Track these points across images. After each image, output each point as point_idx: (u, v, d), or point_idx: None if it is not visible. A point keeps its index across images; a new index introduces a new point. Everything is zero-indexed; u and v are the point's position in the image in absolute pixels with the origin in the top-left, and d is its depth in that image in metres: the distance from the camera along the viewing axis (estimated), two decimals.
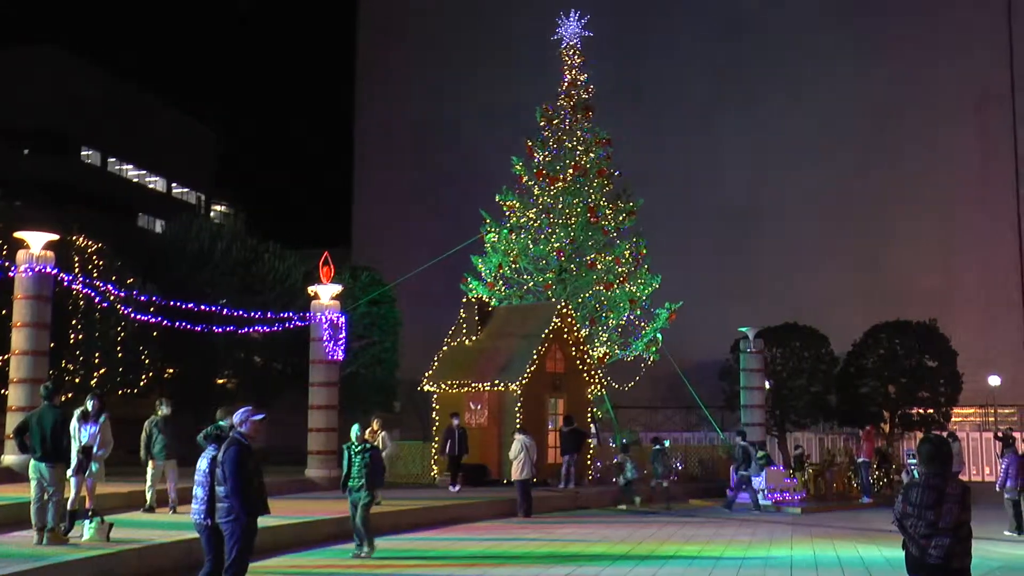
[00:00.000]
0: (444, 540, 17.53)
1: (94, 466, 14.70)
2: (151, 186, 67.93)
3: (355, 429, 15.18)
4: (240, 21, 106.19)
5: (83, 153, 61.79)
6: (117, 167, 64.96)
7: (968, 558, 7.29)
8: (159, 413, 17.51)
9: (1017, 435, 23.27)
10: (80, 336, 29.70)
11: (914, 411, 39.96)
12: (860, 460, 27.86)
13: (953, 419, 42.03)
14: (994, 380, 44.71)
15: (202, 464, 10.14)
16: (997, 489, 20.64)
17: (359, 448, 14.91)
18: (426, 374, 28.91)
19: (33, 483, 13.27)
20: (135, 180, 66.60)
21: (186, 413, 36.61)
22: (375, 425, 21.28)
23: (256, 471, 10.01)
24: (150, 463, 17.41)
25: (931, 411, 39.77)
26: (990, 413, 46.84)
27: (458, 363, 28.48)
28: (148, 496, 17.47)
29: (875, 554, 16.06)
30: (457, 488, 24.35)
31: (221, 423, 11.20)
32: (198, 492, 10.09)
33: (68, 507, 14.07)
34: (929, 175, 51.24)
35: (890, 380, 39.79)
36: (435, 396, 28.72)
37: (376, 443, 20.33)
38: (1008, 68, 51.92)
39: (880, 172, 51.70)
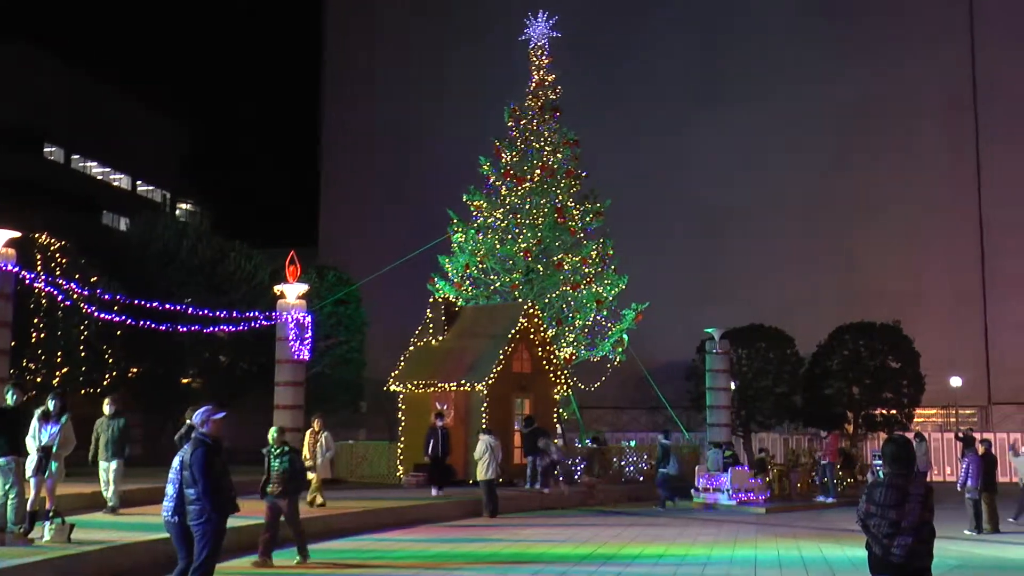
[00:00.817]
0: (409, 541, 17.51)
1: (53, 465, 14.55)
2: (116, 183, 67.33)
3: (272, 431, 14.55)
4: (207, 18, 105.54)
5: (46, 149, 61.16)
6: (81, 164, 64.34)
7: (929, 558, 7.37)
8: (105, 413, 17.35)
9: (977, 436, 23.50)
10: (42, 335, 29.38)
11: (878, 412, 40.31)
12: (824, 462, 28.11)
13: (916, 420, 42.45)
14: (956, 381, 45.18)
15: (175, 463, 10.16)
16: (958, 489, 20.88)
17: (278, 451, 14.20)
18: (392, 374, 28.84)
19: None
20: (99, 177, 66.00)
21: (152, 413, 36.43)
22: (316, 425, 20.61)
23: (223, 470, 10.04)
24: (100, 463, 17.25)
25: (894, 412, 40.13)
26: (952, 414, 47.33)
27: (424, 363, 28.45)
28: (106, 496, 17.33)
29: (839, 554, 16.19)
30: (440, 491, 23.42)
31: (189, 422, 11.24)
32: (169, 490, 10.12)
33: (28, 507, 13.92)
34: (896, 177, 51.66)
35: (854, 381, 40.10)
36: (401, 396, 28.68)
37: (319, 443, 20.14)
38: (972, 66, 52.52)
39: (847, 174, 52.05)
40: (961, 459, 21.35)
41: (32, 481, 14.18)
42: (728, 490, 25.81)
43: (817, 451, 30.98)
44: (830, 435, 29.59)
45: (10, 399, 13.89)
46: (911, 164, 51.74)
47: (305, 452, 20.09)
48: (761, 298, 48.05)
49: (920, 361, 40.60)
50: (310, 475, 19.65)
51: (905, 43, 52.17)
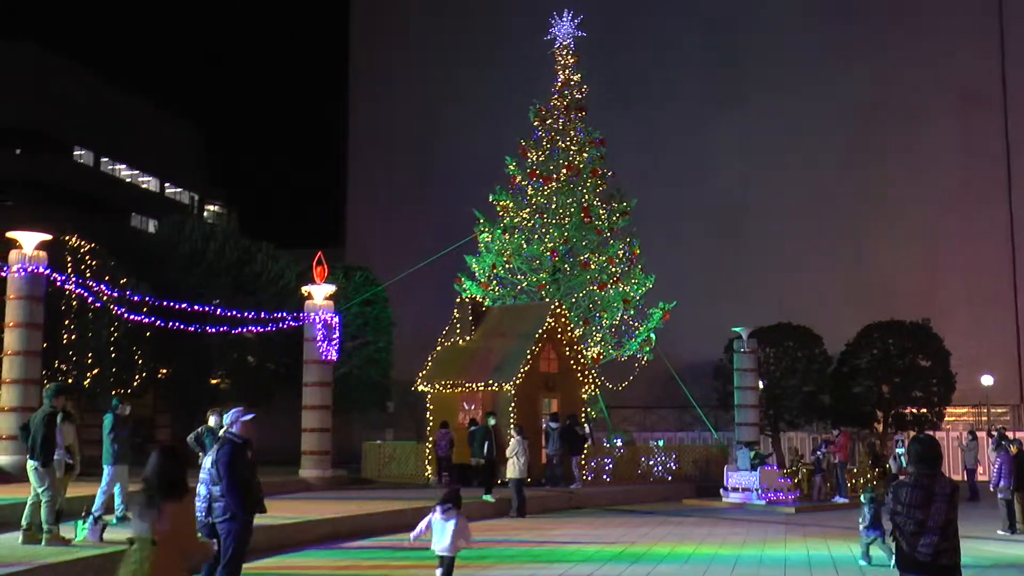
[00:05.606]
0: None
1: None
2: (144, 186, 67.83)
3: None
4: (235, 21, 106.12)
5: (76, 153, 61.67)
6: (110, 167, 64.84)
7: (957, 555, 7.31)
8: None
9: (1010, 435, 23.30)
10: (73, 336, 29.63)
11: (907, 411, 40.03)
12: (836, 461, 27.86)
13: (946, 419, 42.12)
14: (987, 380, 44.81)
15: (206, 463, 10.24)
16: (991, 489, 20.71)
17: None
18: (420, 374, 28.88)
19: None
20: (128, 180, 66.49)
21: (180, 414, 36.67)
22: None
23: (252, 470, 10.11)
24: None
25: (924, 411, 39.84)
26: (983, 413, 46.94)
27: (452, 363, 28.47)
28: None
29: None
30: (494, 499, 22.54)
31: (206, 426, 11.36)
32: (200, 490, 10.19)
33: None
34: (916, 173, 51.37)
35: (884, 380, 39.84)
36: (429, 396, 28.71)
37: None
38: (993, 63, 52.07)
39: (868, 170, 51.80)
40: (993, 459, 21.19)
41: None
42: (758, 490, 25.71)
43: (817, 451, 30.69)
44: (841, 433, 29.37)
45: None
46: (931, 159, 51.45)
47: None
48: (788, 297, 47.80)
49: (950, 360, 40.29)
50: None
51: (922, 38, 51.89)
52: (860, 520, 15.25)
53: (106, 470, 15.73)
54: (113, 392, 31.18)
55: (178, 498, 6.44)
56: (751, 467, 26.25)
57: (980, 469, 30.93)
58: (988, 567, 14.88)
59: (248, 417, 10.24)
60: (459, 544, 11.47)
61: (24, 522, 13.22)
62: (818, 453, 28.12)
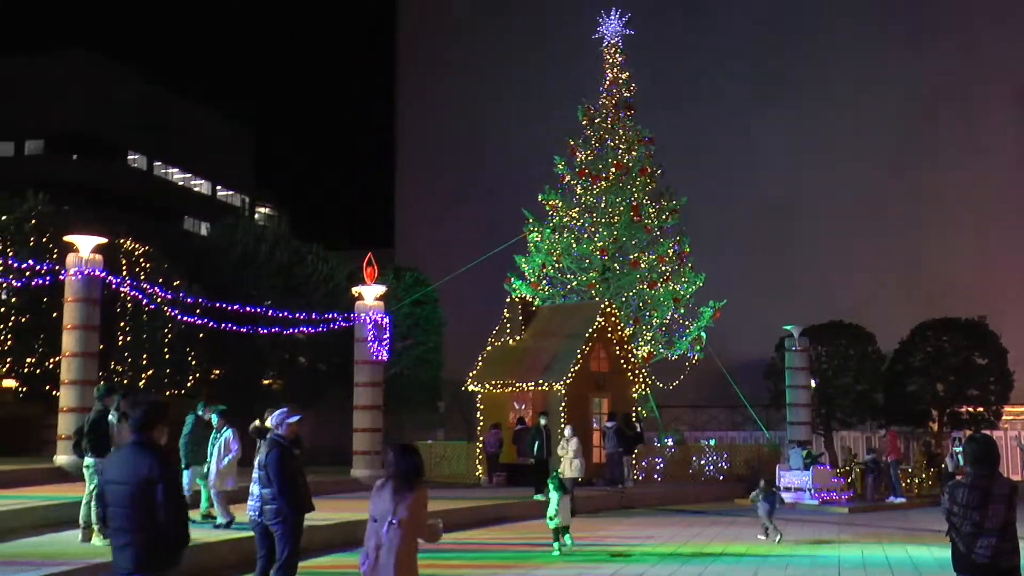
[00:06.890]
0: (488, 541, 17.55)
1: None
2: (196, 189, 68.67)
3: None
4: (282, 25, 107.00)
5: (129, 157, 62.56)
6: (163, 171, 65.71)
7: (1017, 556, 7.20)
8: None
9: None
10: (128, 338, 30.06)
11: (963, 409, 39.42)
12: (889, 460, 27.49)
13: (1004, 417, 41.42)
14: None
15: (257, 463, 10.36)
16: None
17: None
18: (470, 374, 28.93)
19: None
20: (180, 183, 67.34)
21: (233, 414, 37.00)
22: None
23: (299, 470, 10.19)
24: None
25: (981, 409, 39.21)
26: None
27: (502, 363, 28.49)
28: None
29: (925, 554, 15.88)
30: (545, 499, 22.38)
31: (255, 424, 11.54)
32: (254, 490, 10.30)
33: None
34: (971, 169, 50.72)
35: (938, 378, 39.26)
36: (479, 396, 28.76)
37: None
38: None
39: (922, 167, 51.22)
40: None
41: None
42: (810, 490, 25.46)
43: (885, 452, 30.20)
44: (888, 432, 28.98)
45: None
46: (988, 157, 50.79)
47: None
48: (840, 294, 47.38)
49: (1007, 357, 39.63)
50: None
51: (972, 34, 51.24)
52: (758, 506, 17.69)
53: (184, 472, 15.96)
54: (169, 392, 31.68)
55: (414, 487, 7.50)
56: (804, 466, 26.02)
57: None
58: None
59: (294, 419, 10.30)
60: (565, 516, 15.55)
61: (82, 520, 13.41)
62: (870, 456, 27.86)
